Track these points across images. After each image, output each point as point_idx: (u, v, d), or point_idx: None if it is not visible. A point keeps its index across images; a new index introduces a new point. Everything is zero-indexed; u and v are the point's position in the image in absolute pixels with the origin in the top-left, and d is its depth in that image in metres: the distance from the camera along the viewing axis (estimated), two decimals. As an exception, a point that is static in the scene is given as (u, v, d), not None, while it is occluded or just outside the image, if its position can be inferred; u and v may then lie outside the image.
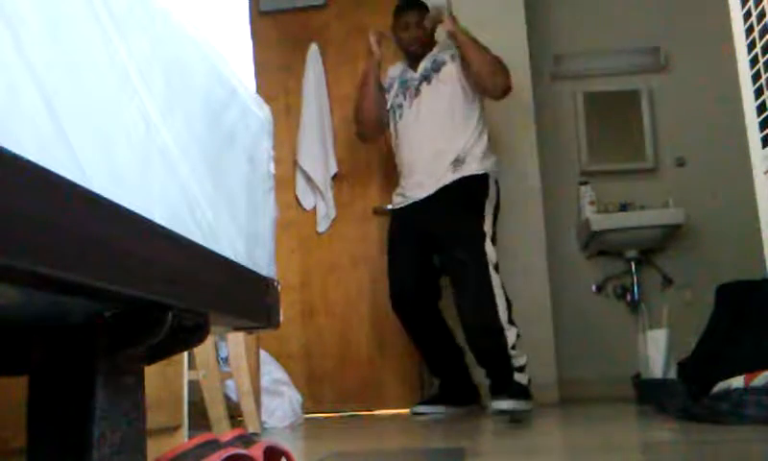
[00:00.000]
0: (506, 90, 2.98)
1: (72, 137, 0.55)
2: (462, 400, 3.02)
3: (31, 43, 0.51)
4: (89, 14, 0.60)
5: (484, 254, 2.75)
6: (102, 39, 0.62)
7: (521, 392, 2.68)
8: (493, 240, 2.84)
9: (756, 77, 1.96)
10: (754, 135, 2.02)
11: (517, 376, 2.72)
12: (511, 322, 2.74)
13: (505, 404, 2.58)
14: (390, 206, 3.21)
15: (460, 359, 3.05)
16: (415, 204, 2.99)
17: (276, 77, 3.77)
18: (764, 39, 1.90)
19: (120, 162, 0.63)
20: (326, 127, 3.70)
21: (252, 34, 3.82)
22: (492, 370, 2.80)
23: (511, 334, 2.71)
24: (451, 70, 2.99)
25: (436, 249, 2.96)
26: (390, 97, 3.15)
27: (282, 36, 3.86)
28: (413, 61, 3.12)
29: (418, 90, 3.04)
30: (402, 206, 3.06)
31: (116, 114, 0.63)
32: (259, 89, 3.67)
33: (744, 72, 2.03)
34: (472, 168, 2.91)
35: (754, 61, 1.96)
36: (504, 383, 2.71)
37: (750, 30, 1.97)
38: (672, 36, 3.88)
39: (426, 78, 3.03)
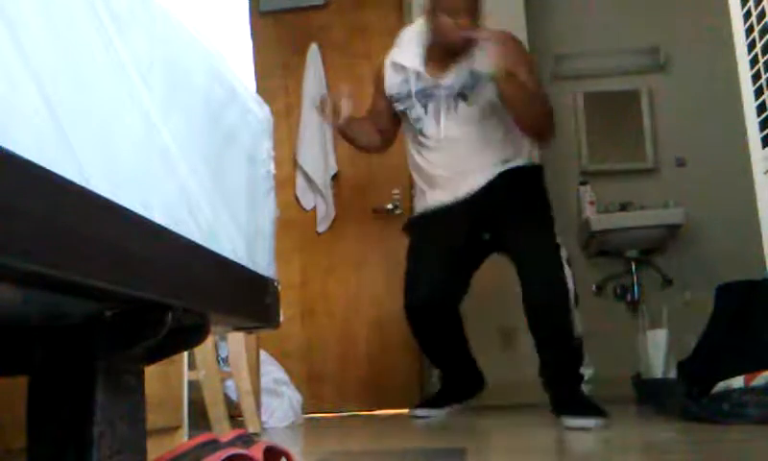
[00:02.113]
0: (547, 139, 2.60)
1: (72, 137, 0.55)
2: (467, 392, 2.84)
3: (31, 43, 0.51)
4: (89, 14, 0.60)
5: (555, 237, 2.46)
6: (102, 39, 0.62)
7: (593, 407, 2.24)
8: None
9: (756, 77, 1.96)
10: (754, 135, 2.02)
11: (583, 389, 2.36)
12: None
13: (582, 422, 2.15)
14: (418, 212, 2.78)
15: (467, 350, 2.80)
16: (452, 205, 2.56)
17: (276, 77, 3.78)
18: (764, 39, 1.90)
19: (120, 162, 0.63)
20: (326, 127, 3.70)
21: (251, 34, 3.82)
22: (557, 367, 2.41)
23: (577, 323, 2.36)
24: (490, 91, 2.46)
25: (491, 233, 2.57)
26: (400, 103, 2.62)
27: (282, 36, 3.86)
28: (435, 60, 2.54)
29: (449, 107, 2.53)
30: (435, 208, 2.62)
31: (116, 114, 0.63)
32: (259, 89, 3.67)
33: (744, 72, 2.03)
34: (524, 160, 2.57)
35: (754, 61, 1.96)
36: (571, 388, 2.35)
37: (750, 30, 1.97)
38: (672, 36, 3.88)
39: (463, 96, 2.51)
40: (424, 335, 2.73)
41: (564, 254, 2.44)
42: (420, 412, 2.80)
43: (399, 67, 2.60)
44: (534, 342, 2.44)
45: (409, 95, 2.57)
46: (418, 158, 2.66)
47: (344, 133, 2.68)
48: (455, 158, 2.57)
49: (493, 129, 2.53)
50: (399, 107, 2.63)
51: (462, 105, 2.51)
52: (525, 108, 2.38)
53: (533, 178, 2.58)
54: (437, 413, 2.79)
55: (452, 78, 2.50)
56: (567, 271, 2.40)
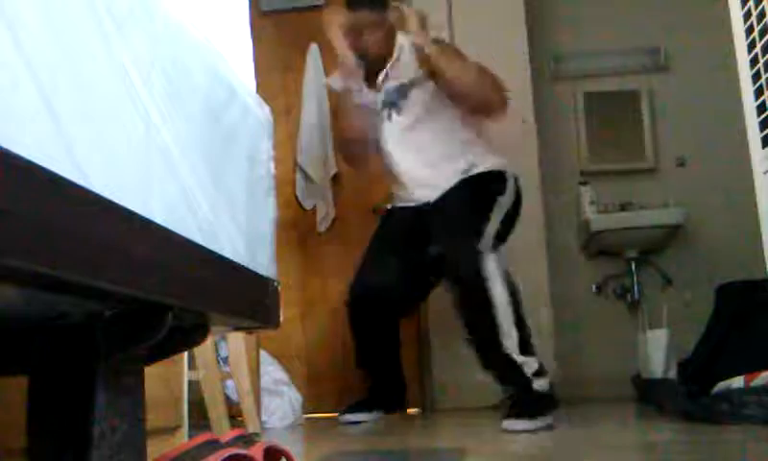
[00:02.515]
0: (498, 111, 2.55)
1: (72, 137, 0.55)
2: (391, 404, 2.83)
3: (31, 43, 0.51)
4: (89, 14, 0.60)
5: (476, 255, 2.33)
6: (102, 39, 0.62)
7: (533, 405, 2.22)
8: (496, 245, 2.43)
9: (756, 77, 1.96)
10: (754, 135, 2.02)
11: (537, 383, 2.28)
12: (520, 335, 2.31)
13: (519, 425, 2.14)
14: (389, 206, 2.90)
15: (397, 359, 2.83)
16: (416, 207, 2.63)
17: (276, 77, 3.78)
18: (764, 39, 1.90)
19: (120, 162, 0.63)
20: (326, 127, 3.70)
21: (251, 34, 3.82)
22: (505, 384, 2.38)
23: (511, 343, 2.29)
24: (421, 95, 2.56)
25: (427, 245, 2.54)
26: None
27: (282, 36, 3.86)
28: (367, 73, 2.63)
29: (386, 118, 2.63)
30: (401, 205, 2.73)
31: (116, 114, 0.63)
32: (259, 89, 3.67)
33: (744, 72, 2.03)
34: (485, 166, 2.55)
35: (754, 61, 1.96)
36: (519, 397, 2.29)
37: (750, 30, 1.97)
38: (672, 36, 3.88)
39: (394, 105, 2.60)
40: (359, 330, 2.77)
41: (489, 264, 2.32)
42: (351, 417, 2.75)
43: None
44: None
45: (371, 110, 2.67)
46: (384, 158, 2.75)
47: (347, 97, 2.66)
48: (406, 170, 2.64)
49: (436, 140, 2.57)
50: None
51: (395, 117, 2.61)
52: (466, 78, 2.44)
53: (488, 184, 2.54)
54: (368, 416, 2.75)
55: (384, 93, 2.61)
56: (492, 274, 2.30)
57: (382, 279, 2.64)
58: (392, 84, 2.60)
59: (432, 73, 2.49)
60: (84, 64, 0.59)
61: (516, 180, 2.60)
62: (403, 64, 2.59)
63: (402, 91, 2.58)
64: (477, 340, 2.38)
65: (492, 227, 2.44)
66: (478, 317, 2.34)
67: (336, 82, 2.72)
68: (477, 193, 2.52)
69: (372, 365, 2.83)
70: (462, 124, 2.59)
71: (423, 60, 2.48)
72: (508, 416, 2.18)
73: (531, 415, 2.15)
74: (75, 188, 0.55)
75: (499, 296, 2.29)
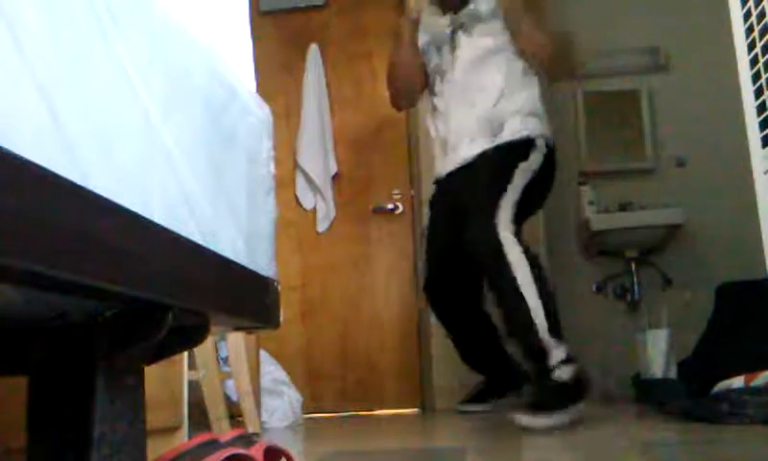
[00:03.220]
0: (566, 75, 2.63)
1: (72, 137, 0.55)
2: (507, 389, 2.80)
3: (31, 43, 0.51)
4: (89, 15, 0.60)
5: (494, 230, 2.25)
6: (102, 39, 0.62)
7: (552, 396, 2.12)
8: (517, 218, 2.32)
9: (756, 77, 1.95)
10: (754, 135, 2.02)
11: (560, 372, 2.16)
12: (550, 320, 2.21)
13: (524, 420, 2.07)
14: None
15: (496, 343, 2.73)
16: (450, 174, 2.59)
17: (276, 77, 3.78)
18: (764, 39, 1.90)
19: (120, 162, 0.63)
20: (326, 127, 3.70)
21: (251, 34, 3.82)
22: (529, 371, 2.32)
23: (540, 323, 2.19)
24: (495, 25, 2.54)
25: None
26: (425, 58, 2.71)
27: (282, 36, 3.86)
28: (440, 8, 2.67)
29: (453, 42, 2.60)
30: (439, 177, 2.67)
31: (116, 114, 0.63)
32: (259, 89, 3.67)
33: (744, 72, 2.03)
34: (513, 129, 2.49)
35: (754, 61, 1.96)
36: (537, 387, 2.25)
37: (750, 30, 1.97)
38: (672, 36, 3.88)
39: (462, 26, 2.58)
40: (447, 326, 2.75)
41: (507, 238, 2.24)
42: (465, 407, 2.84)
43: (421, 25, 2.69)
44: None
45: (427, 44, 2.68)
46: (430, 126, 2.73)
47: (401, 37, 2.69)
48: (453, 116, 2.58)
49: (490, 82, 2.53)
50: (426, 62, 2.72)
51: (463, 38, 2.57)
52: (542, 54, 2.48)
53: (510, 153, 2.47)
54: (482, 408, 2.81)
55: (452, 18, 2.60)
56: (511, 248, 2.22)
57: (438, 270, 2.64)
58: (464, 12, 2.60)
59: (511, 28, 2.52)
60: (83, 64, 0.59)
61: (546, 145, 2.52)
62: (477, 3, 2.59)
63: (476, 16, 2.57)
64: (507, 319, 2.29)
65: (511, 196, 2.35)
66: (504, 296, 2.25)
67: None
68: (497, 164, 2.46)
69: (472, 356, 2.81)
70: (517, 77, 2.56)
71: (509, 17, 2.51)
72: (524, 411, 2.08)
73: (548, 408, 2.06)
74: (75, 188, 0.55)
75: (520, 270, 2.20)
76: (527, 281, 2.19)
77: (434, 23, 2.65)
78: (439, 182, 2.69)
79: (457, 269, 2.60)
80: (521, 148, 2.46)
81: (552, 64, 2.53)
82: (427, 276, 2.70)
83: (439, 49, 2.65)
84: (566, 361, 2.17)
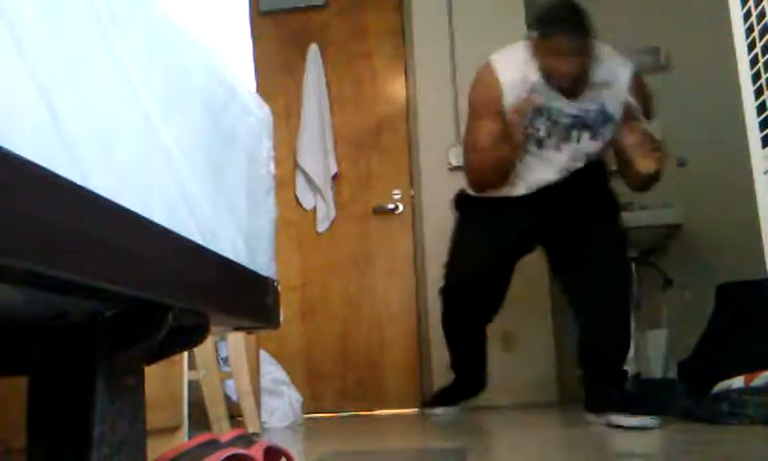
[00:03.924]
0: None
1: (72, 137, 0.55)
2: (471, 392, 2.93)
3: (31, 43, 0.51)
4: (89, 14, 0.60)
5: (623, 229, 2.45)
6: (102, 39, 0.62)
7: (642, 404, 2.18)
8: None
9: (756, 77, 1.95)
10: (754, 135, 2.02)
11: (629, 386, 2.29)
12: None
13: (635, 421, 2.05)
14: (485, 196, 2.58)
15: (485, 358, 2.88)
16: (537, 193, 2.46)
17: (276, 77, 3.78)
18: (764, 39, 1.90)
19: (120, 162, 0.63)
20: (326, 127, 3.70)
21: (251, 34, 3.82)
22: (607, 371, 2.35)
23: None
24: (617, 126, 2.40)
25: (555, 231, 2.49)
26: (528, 118, 2.38)
27: (282, 36, 3.86)
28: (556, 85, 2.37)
29: (569, 135, 2.41)
30: (521, 194, 2.48)
31: (116, 114, 0.63)
32: (259, 89, 3.67)
33: (744, 72, 2.02)
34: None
35: (754, 61, 1.96)
36: (619, 383, 2.32)
37: (750, 30, 1.97)
38: (672, 36, 3.88)
39: (588, 127, 2.40)
40: (454, 329, 2.79)
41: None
42: (438, 410, 2.89)
43: (522, 79, 2.37)
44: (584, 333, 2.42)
45: (539, 109, 2.38)
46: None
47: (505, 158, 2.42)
48: (546, 170, 2.46)
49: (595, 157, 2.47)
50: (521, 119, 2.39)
51: (585, 137, 2.40)
52: (648, 181, 2.39)
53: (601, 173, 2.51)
54: (453, 410, 2.88)
55: (581, 109, 2.37)
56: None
57: (475, 284, 2.71)
58: (592, 105, 2.39)
59: (619, 150, 2.41)
60: (83, 64, 0.59)
61: None
62: (608, 94, 2.39)
63: (605, 117, 2.39)
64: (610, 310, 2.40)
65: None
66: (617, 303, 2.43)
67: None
68: (602, 198, 2.55)
69: (464, 362, 2.91)
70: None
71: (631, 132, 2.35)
72: (623, 412, 2.10)
73: (642, 412, 2.09)
74: (75, 188, 0.55)
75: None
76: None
77: (552, 99, 2.38)
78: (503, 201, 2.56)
79: (496, 290, 2.69)
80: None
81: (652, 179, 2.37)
82: (457, 283, 2.69)
83: (548, 128, 2.40)
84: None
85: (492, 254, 2.58)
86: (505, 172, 2.43)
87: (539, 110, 2.37)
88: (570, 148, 2.42)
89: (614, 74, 2.41)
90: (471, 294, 2.67)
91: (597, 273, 2.33)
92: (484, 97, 2.44)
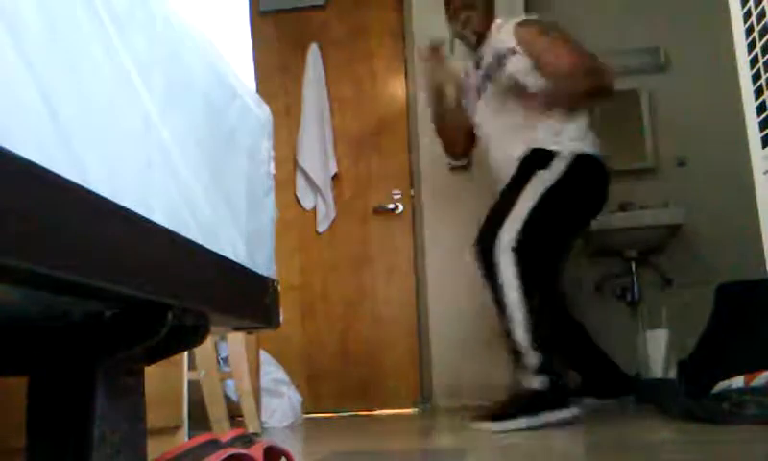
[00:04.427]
0: (596, 95, 2.48)
1: (72, 137, 0.55)
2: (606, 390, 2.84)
3: (31, 43, 0.51)
4: (89, 14, 0.60)
5: (496, 240, 2.29)
6: (102, 39, 0.62)
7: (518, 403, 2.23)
8: (526, 231, 2.30)
9: (756, 77, 1.95)
10: (754, 135, 2.02)
11: (533, 381, 2.23)
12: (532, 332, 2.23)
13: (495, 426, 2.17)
14: None
15: (589, 345, 2.84)
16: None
17: (276, 77, 3.78)
18: (764, 39, 1.90)
19: (120, 162, 0.63)
20: (326, 127, 3.70)
21: (251, 34, 3.82)
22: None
23: (520, 330, 2.24)
24: (517, 65, 2.47)
25: None
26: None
27: (282, 36, 3.86)
28: (475, 48, 2.66)
29: (481, 91, 2.62)
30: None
31: (116, 114, 0.63)
32: (259, 89, 3.67)
33: (744, 72, 2.02)
34: (542, 143, 2.45)
35: (754, 61, 1.96)
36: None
37: (750, 30, 1.97)
38: (672, 36, 3.88)
39: (488, 77, 2.57)
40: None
41: (505, 246, 2.27)
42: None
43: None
44: None
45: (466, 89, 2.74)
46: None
47: (430, 92, 2.75)
48: (492, 148, 2.62)
49: (517, 115, 2.50)
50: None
51: (489, 86, 2.57)
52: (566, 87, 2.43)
53: (532, 162, 2.43)
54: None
55: (483, 62, 2.59)
56: (507, 260, 2.26)
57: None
58: (489, 52, 2.58)
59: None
60: (83, 64, 0.59)
61: (577, 160, 2.43)
62: (498, 40, 2.56)
63: (497, 58, 2.53)
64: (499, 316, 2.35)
65: (525, 204, 2.33)
66: (492, 294, 2.32)
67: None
68: (518, 172, 2.45)
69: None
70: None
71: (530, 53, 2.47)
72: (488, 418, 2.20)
73: (511, 415, 2.17)
74: (75, 188, 0.55)
75: (507, 277, 2.25)
76: (511, 290, 2.26)
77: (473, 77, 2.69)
78: None
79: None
80: (544, 156, 2.43)
81: (577, 82, 2.41)
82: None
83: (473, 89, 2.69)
84: (540, 370, 2.21)
85: None
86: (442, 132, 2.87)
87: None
88: (483, 105, 2.62)
89: (499, 26, 2.60)
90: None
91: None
92: None
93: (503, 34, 2.54)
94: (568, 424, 2.19)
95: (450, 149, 2.91)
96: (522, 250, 2.28)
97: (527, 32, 2.50)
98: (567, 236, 2.61)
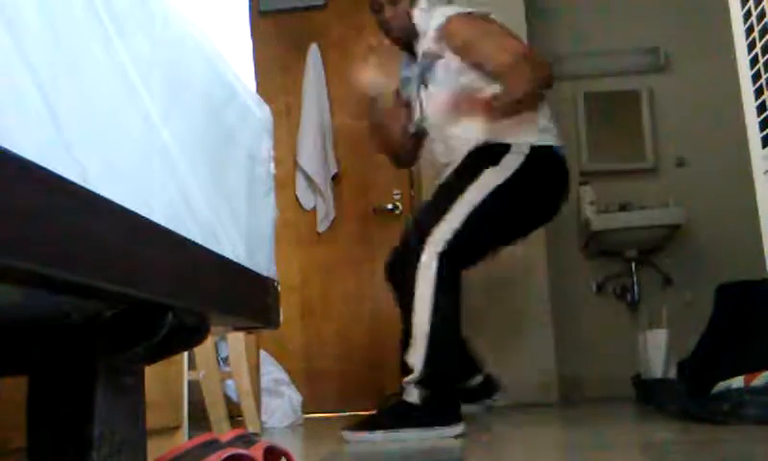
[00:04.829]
0: (538, 87, 2.22)
1: (72, 137, 0.55)
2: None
3: (31, 43, 0.51)
4: (89, 15, 0.60)
5: (426, 237, 2.12)
6: (102, 40, 0.62)
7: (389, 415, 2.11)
8: (466, 230, 2.13)
9: (756, 77, 1.95)
10: (754, 135, 2.02)
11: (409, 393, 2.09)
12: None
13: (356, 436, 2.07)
14: None
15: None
16: None
17: (276, 77, 3.78)
18: (764, 39, 1.90)
19: (120, 162, 0.63)
20: (326, 127, 3.71)
21: (252, 33, 3.82)
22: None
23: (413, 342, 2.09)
24: (447, 64, 2.32)
25: None
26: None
27: (282, 35, 3.86)
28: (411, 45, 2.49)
29: (418, 95, 2.45)
30: None
31: (116, 114, 0.63)
32: (259, 89, 3.67)
33: (744, 72, 2.02)
34: (495, 133, 2.25)
35: (754, 61, 1.96)
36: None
37: (750, 30, 1.97)
38: (672, 36, 3.88)
39: (423, 82, 2.42)
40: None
41: (435, 248, 2.11)
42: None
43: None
44: None
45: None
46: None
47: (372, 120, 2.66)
48: (437, 140, 2.45)
49: (459, 111, 2.30)
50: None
51: (424, 93, 2.42)
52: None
53: (483, 155, 2.25)
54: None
55: (417, 66, 2.43)
56: (429, 273, 2.10)
57: None
58: (420, 56, 2.43)
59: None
60: (84, 64, 0.59)
61: (533, 154, 2.22)
62: (423, 43, 2.40)
63: (427, 62, 2.38)
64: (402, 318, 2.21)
65: (461, 209, 2.15)
66: (402, 299, 2.22)
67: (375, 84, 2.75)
68: (462, 166, 2.27)
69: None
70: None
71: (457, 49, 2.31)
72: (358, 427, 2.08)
73: (374, 426, 2.06)
74: (75, 188, 0.54)
75: (422, 292, 2.09)
76: (420, 301, 2.11)
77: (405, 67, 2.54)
78: None
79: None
80: (494, 151, 2.25)
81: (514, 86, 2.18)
82: None
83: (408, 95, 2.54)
84: (419, 383, 2.07)
85: None
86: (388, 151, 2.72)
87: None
88: (424, 111, 2.44)
89: (428, 23, 2.40)
90: None
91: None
92: None
93: (431, 31, 2.35)
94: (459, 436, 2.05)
95: (394, 157, 2.74)
96: (450, 256, 2.12)
97: (465, 29, 2.31)
98: (506, 242, 2.43)
